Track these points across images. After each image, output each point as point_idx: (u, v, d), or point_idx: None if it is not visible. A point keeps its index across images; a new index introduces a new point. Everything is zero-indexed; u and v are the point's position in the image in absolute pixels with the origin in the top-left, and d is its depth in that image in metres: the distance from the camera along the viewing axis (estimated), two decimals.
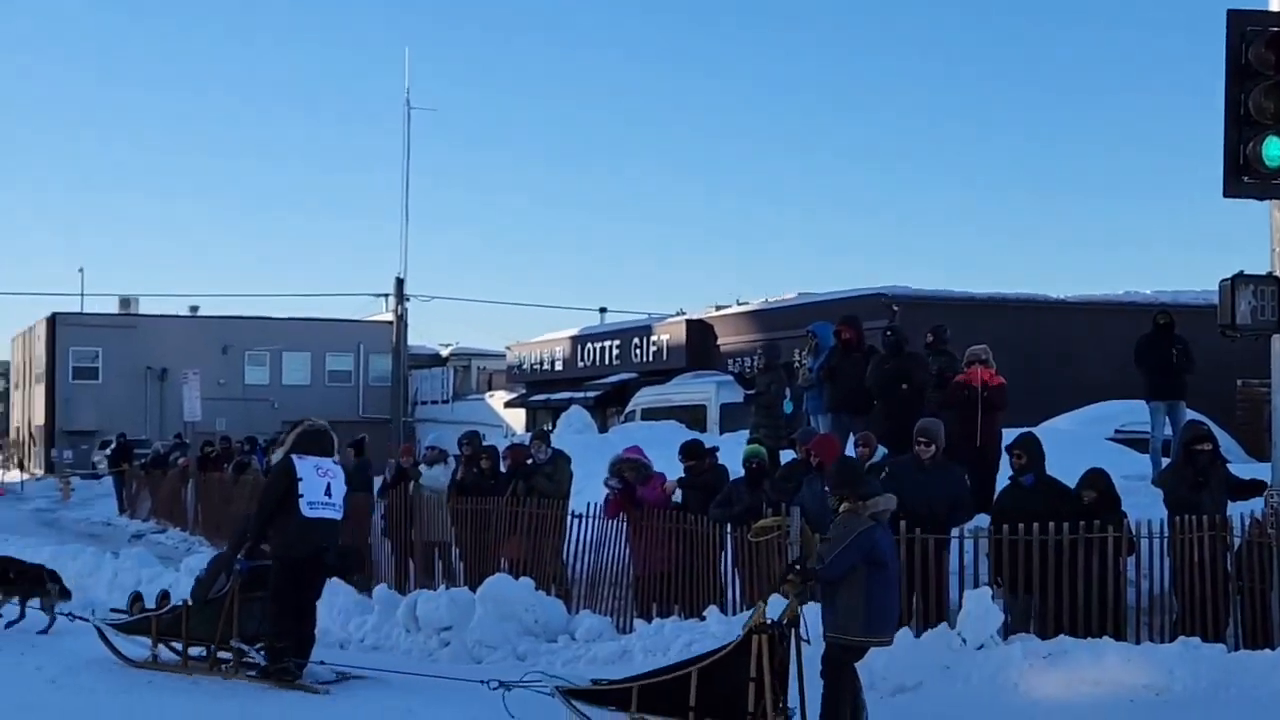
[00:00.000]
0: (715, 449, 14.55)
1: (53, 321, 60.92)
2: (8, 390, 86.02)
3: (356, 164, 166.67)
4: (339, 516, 11.84)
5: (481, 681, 9.99)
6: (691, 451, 14.19)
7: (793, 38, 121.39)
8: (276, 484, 11.78)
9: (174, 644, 12.03)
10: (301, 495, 11.36)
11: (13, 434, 77.34)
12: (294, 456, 11.62)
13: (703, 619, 12.07)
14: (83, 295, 65.42)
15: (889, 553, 9.35)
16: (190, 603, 12.03)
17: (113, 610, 13.23)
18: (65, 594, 13.86)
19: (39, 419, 63.79)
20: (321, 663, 11.56)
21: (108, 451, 52.88)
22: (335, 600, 13.77)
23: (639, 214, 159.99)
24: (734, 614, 12.12)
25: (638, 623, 12.75)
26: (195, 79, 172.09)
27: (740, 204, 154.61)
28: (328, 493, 11.57)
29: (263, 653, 11.53)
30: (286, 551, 11.47)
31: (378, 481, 19.55)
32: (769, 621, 8.87)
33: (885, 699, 10.49)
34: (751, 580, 12.37)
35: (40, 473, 57.92)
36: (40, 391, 63.17)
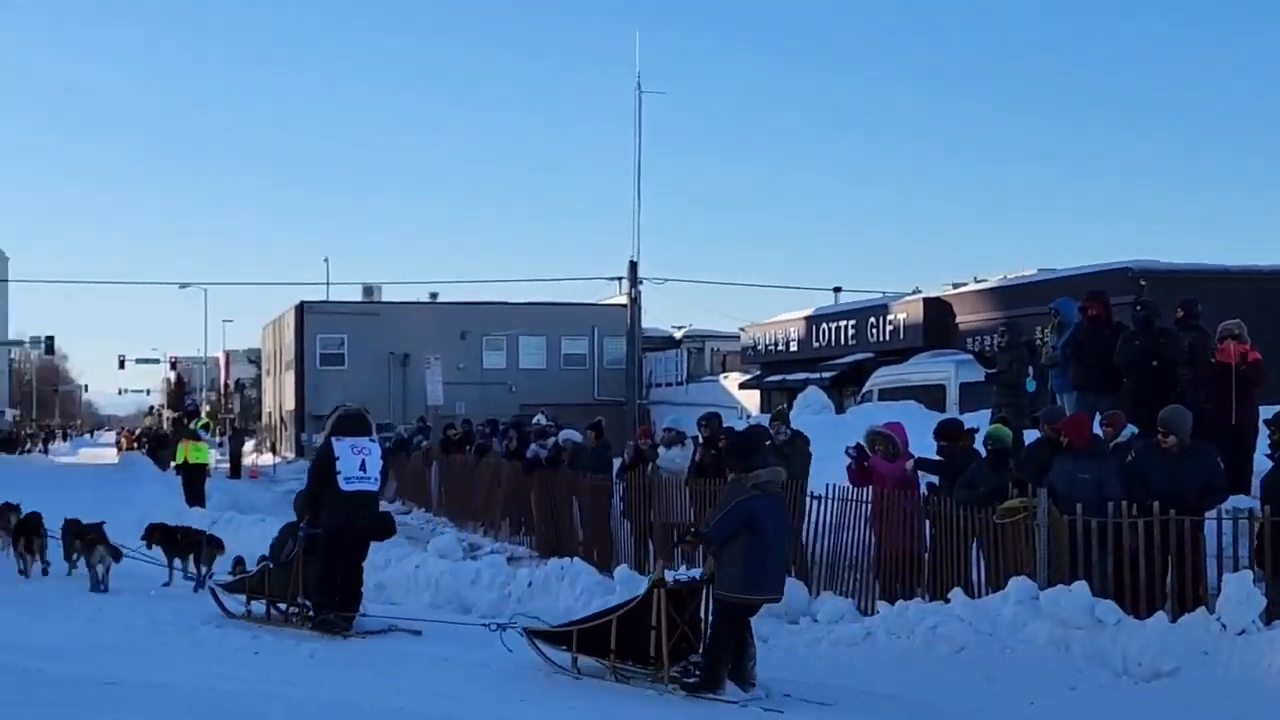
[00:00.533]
0: (974, 430, 14.20)
1: (301, 310, 62.86)
2: (259, 377, 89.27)
3: (589, 150, 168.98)
4: (374, 488, 13.32)
5: (484, 624, 12.31)
6: (947, 431, 13.92)
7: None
8: (319, 463, 13.35)
9: (260, 600, 13.83)
10: (339, 472, 12.94)
11: (265, 419, 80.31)
12: (333, 439, 13.24)
13: (947, 601, 11.84)
14: (328, 284, 67.75)
15: (768, 520, 10.24)
16: (269, 566, 13.81)
17: (228, 574, 15.16)
18: (212, 557, 16.09)
19: (289, 404, 65.97)
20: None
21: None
22: (578, 581, 13.93)
23: (873, 192, 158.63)
24: (979, 596, 11.89)
25: (880, 605, 12.56)
26: (428, 77, 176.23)
27: (976, 179, 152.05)
28: (362, 468, 13.09)
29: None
30: (329, 520, 13.02)
31: (616, 463, 19.70)
32: (666, 579, 10.67)
33: (1141, 684, 10.21)
34: (997, 562, 12.10)
35: (291, 456, 59.92)
36: (290, 378, 65.29)
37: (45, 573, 16.69)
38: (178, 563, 16.29)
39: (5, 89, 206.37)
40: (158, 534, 16.58)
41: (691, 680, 10.39)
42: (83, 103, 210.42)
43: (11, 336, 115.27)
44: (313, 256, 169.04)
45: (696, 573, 11.48)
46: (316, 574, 13.12)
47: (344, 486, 12.97)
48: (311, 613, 13.17)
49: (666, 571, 11.13)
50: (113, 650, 11.89)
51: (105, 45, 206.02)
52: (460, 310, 62.03)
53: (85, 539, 15.94)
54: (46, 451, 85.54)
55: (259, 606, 13.85)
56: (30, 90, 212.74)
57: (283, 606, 13.54)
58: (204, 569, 15.86)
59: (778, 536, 10.57)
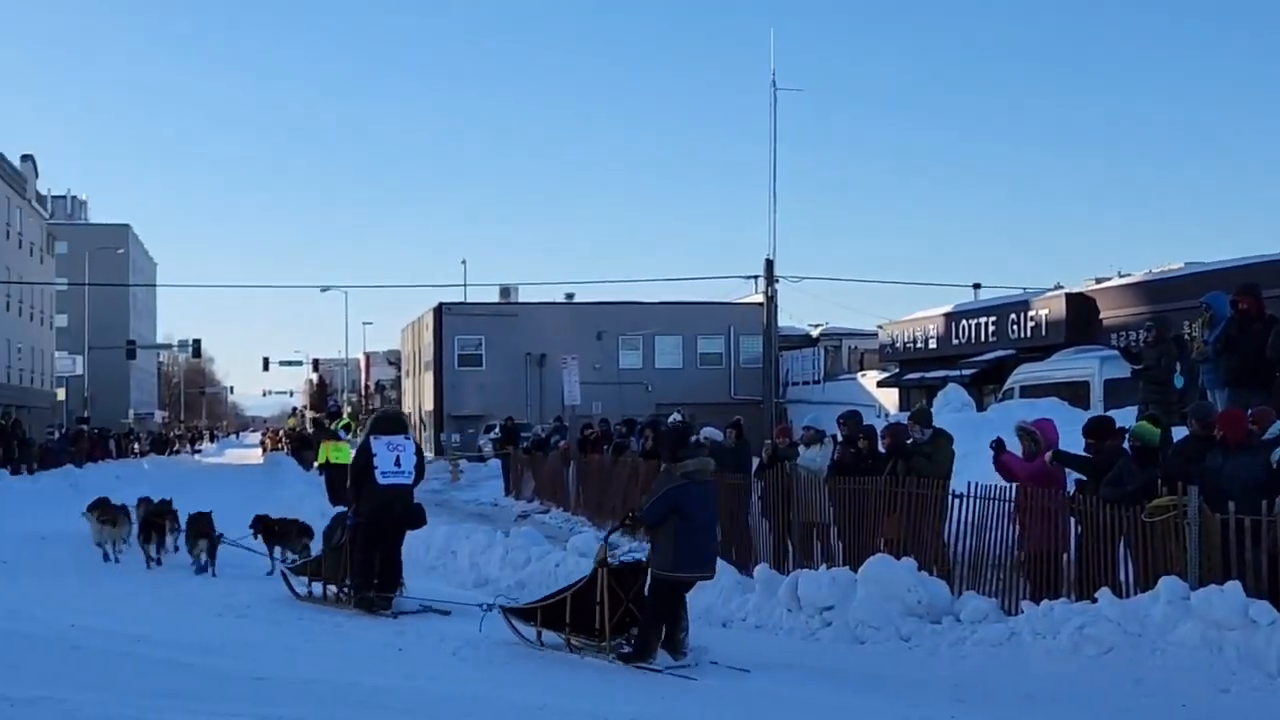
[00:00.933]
0: (1124, 429, 13.88)
1: (439, 312, 63.63)
2: (399, 378, 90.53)
3: (724, 149, 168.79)
4: (408, 481, 14.73)
5: (477, 605, 13.34)
6: (1096, 429, 13.60)
7: None
8: (358, 460, 14.86)
9: (319, 582, 15.36)
10: (376, 467, 14.41)
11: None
12: (371, 437, 14.76)
13: (1094, 601, 11.61)
14: (465, 286, 68.66)
15: (695, 506, 11.36)
16: (324, 551, 15.54)
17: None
18: (301, 545, 17.59)
19: (428, 404, 66.83)
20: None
21: (493, 435, 55.03)
22: (720, 580, 13.93)
23: (1011, 186, 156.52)
24: (1127, 596, 11.64)
25: (1025, 605, 12.35)
26: (563, 81, 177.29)
27: (1119, 173, 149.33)
28: (397, 463, 14.59)
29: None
30: (367, 510, 14.52)
31: (754, 462, 19.62)
32: (611, 559, 11.91)
33: None
34: (1146, 561, 11.83)
35: (431, 456, 60.63)
36: (429, 378, 66.15)
37: (159, 562, 18.53)
38: (277, 551, 17.71)
39: (151, 98, 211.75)
40: (260, 525, 17.87)
41: (626, 650, 11.47)
42: (227, 110, 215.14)
43: (160, 340, 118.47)
44: (450, 258, 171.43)
45: (642, 554, 12.65)
46: (358, 558, 14.56)
47: (380, 480, 14.43)
48: (354, 593, 14.58)
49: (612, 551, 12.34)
50: (261, 646, 12.13)
51: (246, 54, 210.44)
52: (596, 310, 62.38)
53: (196, 530, 17.87)
54: (194, 452, 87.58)
55: (318, 588, 15.33)
56: (176, 99, 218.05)
57: (332, 588, 15.07)
58: (289, 556, 17.43)
59: (705, 520, 11.64)
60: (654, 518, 11.48)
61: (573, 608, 11.87)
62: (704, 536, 11.63)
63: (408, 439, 15.07)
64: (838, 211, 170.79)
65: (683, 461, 11.55)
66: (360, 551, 14.56)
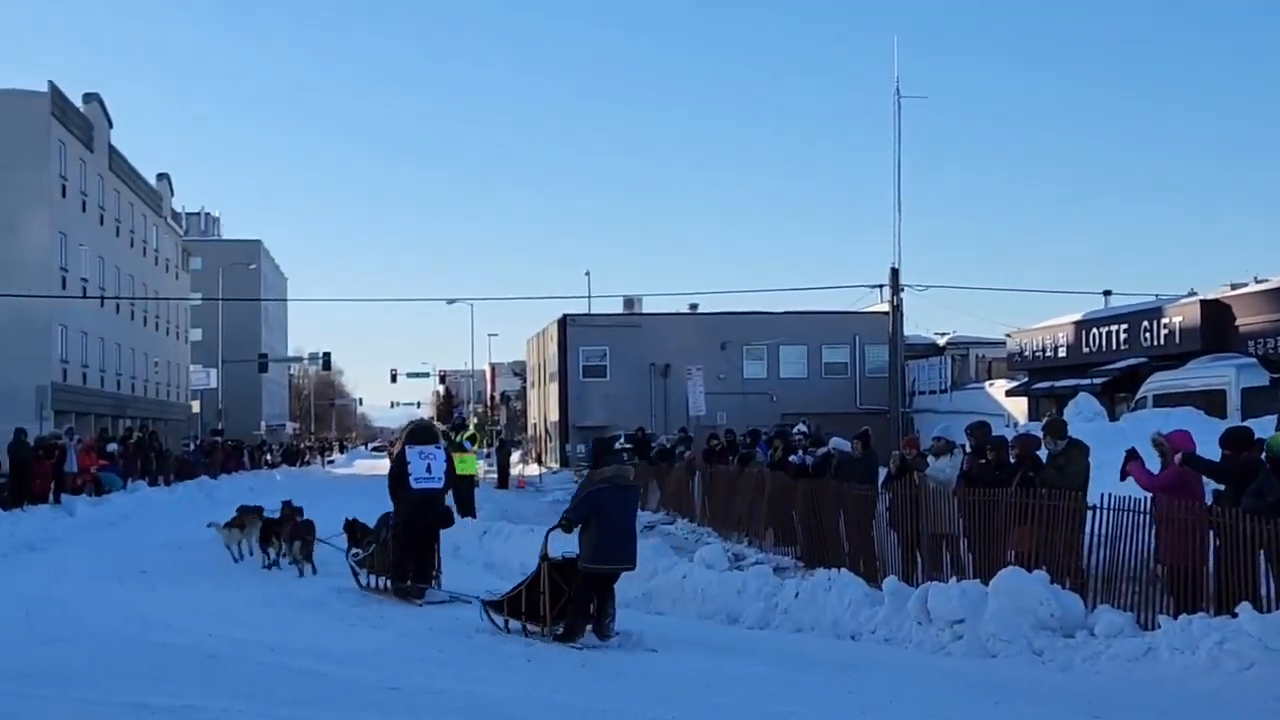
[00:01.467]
0: (1261, 441, 13.47)
1: (564, 323, 63.93)
2: (525, 389, 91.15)
3: (849, 156, 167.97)
4: (439, 486, 16.88)
5: (473, 599, 14.87)
6: (1234, 440, 13.23)
7: None
8: (395, 467, 16.92)
9: (372, 574, 17.39)
10: (410, 474, 16.59)
11: (530, 430, 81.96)
12: (406, 447, 16.87)
13: (1234, 616, 11.33)
14: (589, 297, 68.75)
15: (610, 507, 13.02)
16: (374, 547, 17.31)
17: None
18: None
19: (553, 415, 67.17)
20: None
21: (617, 445, 55.09)
22: (846, 592, 13.83)
23: (1142, 190, 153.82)
24: (1268, 611, 11.35)
25: (1162, 619, 12.10)
26: (687, 90, 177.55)
27: (1253, 177, 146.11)
28: (428, 470, 16.74)
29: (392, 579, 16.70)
30: (402, 513, 16.71)
31: (881, 472, 19.48)
32: (554, 555, 13.29)
33: None
34: None
35: (556, 466, 61.01)
36: (553, 389, 66.48)
37: (276, 564, 19.94)
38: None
39: (281, 116, 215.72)
40: (349, 527, 18.91)
41: (559, 633, 13.05)
42: (355, 126, 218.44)
43: (291, 353, 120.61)
44: (575, 270, 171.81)
45: None
46: (395, 554, 16.62)
47: (414, 485, 16.59)
48: (391, 583, 16.66)
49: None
50: (392, 656, 12.28)
51: (373, 71, 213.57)
52: (720, 320, 62.26)
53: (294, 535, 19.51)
54: (325, 463, 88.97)
55: (372, 580, 17.31)
56: (306, 117, 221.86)
57: (383, 579, 16.99)
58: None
59: (621, 519, 13.19)
60: (579, 516, 13.11)
61: (526, 598, 13.45)
62: (622, 534, 13.20)
63: (439, 448, 17.27)
64: (964, 218, 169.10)
65: (602, 469, 13.40)
66: (399, 548, 16.60)
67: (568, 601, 13.16)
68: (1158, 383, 30.35)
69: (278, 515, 20.58)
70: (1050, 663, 11.93)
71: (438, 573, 16.89)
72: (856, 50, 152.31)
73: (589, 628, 13.03)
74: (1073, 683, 11.27)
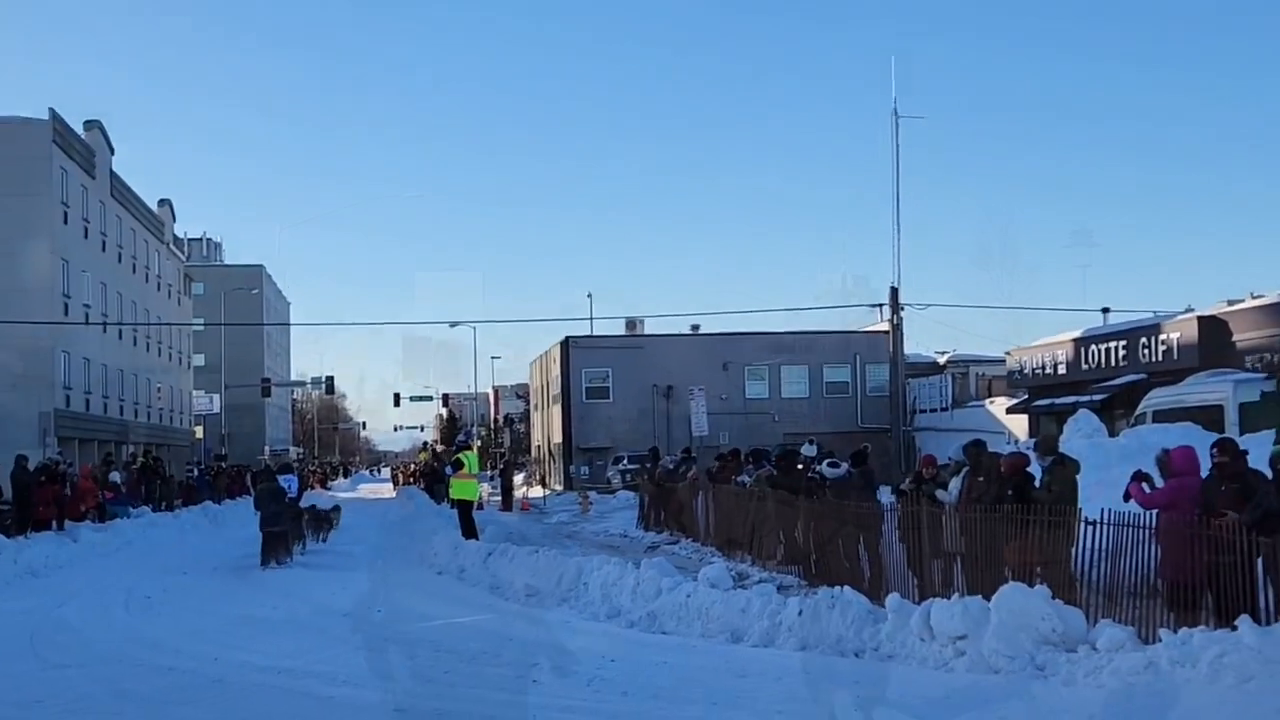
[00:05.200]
0: (1245, 453, 13.62)
1: (566, 345, 64.07)
2: (528, 411, 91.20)
3: (847, 177, 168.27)
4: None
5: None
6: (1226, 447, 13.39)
7: None
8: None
9: None
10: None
11: (534, 452, 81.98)
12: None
13: (1234, 629, 11.40)
14: (592, 319, 68.99)
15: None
16: None
17: None
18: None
19: (556, 437, 67.26)
20: None
21: (621, 466, 55.20)
22: (849, 609, 13.89)
23: (1138, 207, 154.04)
24: (1268, 623, 11.42)
25: (1162, 633, 12.16)
26: (684, 111, 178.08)
27: (1248, 190, 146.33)
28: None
29: None
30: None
31: (882, 490, 19.54)
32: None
33: None
34: None
35: (560, 488, 61.04)
36: (557, 411, 66.59)
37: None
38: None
39: (282, 142, 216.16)
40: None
41: None
42: (354, 153, 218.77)
43: (294, 378, 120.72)
44: (576, 292, 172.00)
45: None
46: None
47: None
48: None
49: None
50: (399, 678, 12.37)
51: (370, 100, 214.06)
52: (722, 341, 62.39)
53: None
54: (327, 487, 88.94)
55: None
56: (306, 143, 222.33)
57: None
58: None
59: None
60: None
61: None
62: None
63: (292, 476, 22.70)
64: (963, 237, 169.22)
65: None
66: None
67: None
68: (1156, 399, 30.41)
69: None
70: (1053, 677, 11.97)
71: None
72: (859, 71, 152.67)
73: None
74: (1075, 697, 11.33)
